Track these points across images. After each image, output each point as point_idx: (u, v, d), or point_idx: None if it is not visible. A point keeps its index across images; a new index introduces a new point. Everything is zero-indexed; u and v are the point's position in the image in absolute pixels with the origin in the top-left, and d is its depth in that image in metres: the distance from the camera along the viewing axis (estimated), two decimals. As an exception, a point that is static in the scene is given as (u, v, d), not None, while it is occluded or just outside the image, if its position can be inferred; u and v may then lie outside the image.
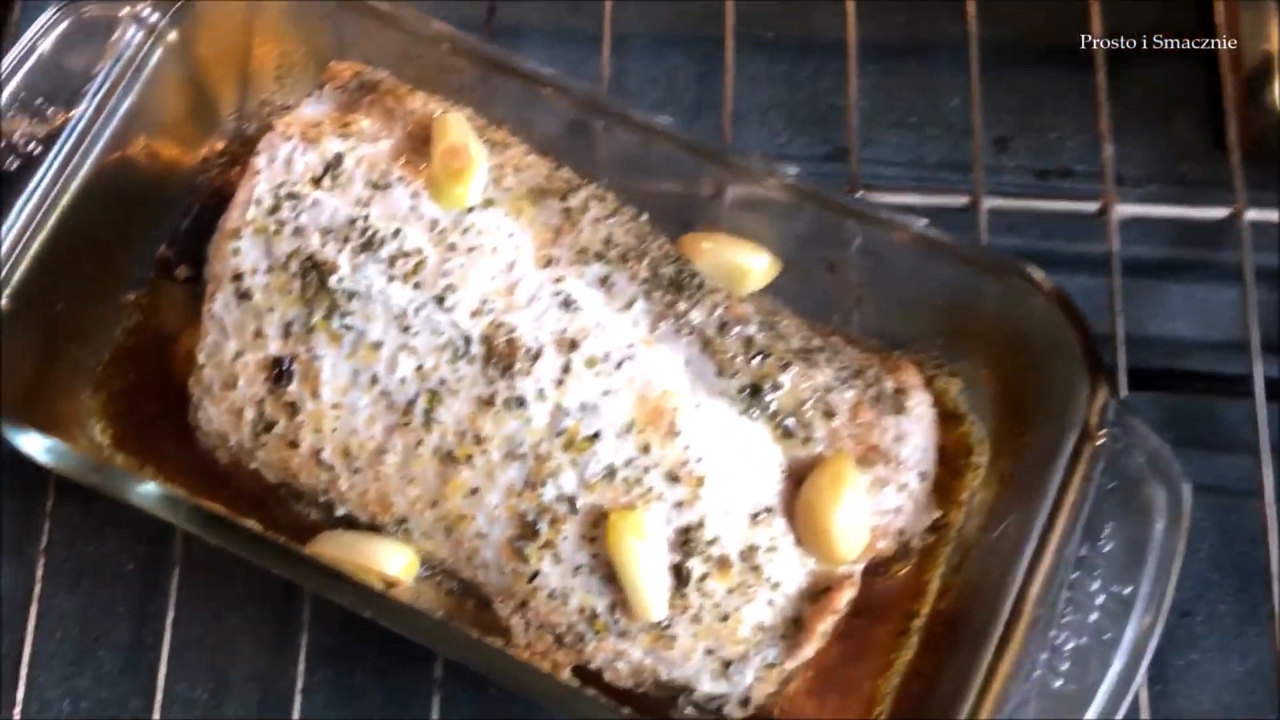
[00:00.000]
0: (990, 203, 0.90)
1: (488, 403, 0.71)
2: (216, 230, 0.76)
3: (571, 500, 0.71)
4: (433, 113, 0.76)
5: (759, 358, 0.72)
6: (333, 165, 0.74)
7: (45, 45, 0.75)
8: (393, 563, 0.73)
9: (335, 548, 0.74)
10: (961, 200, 0.89)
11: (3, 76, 0.74)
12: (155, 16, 0.78)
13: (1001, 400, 0.81)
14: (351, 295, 0.72)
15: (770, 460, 0.72)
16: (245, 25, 0.81)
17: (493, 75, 0.79)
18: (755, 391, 0.72)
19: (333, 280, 0.72)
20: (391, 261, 0.72)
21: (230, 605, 0.86)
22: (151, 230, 0.82)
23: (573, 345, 0.71)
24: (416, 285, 0.72)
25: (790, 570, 0.72)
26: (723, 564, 0.71)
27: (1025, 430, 0.78)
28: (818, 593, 0.72)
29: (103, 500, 0.87)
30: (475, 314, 0.71)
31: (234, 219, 0.73)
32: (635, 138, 0.78)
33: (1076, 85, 0.96)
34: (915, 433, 0.75)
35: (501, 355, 0.71)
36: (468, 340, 0.71)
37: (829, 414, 0.73)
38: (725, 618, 0.72)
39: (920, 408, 0.76)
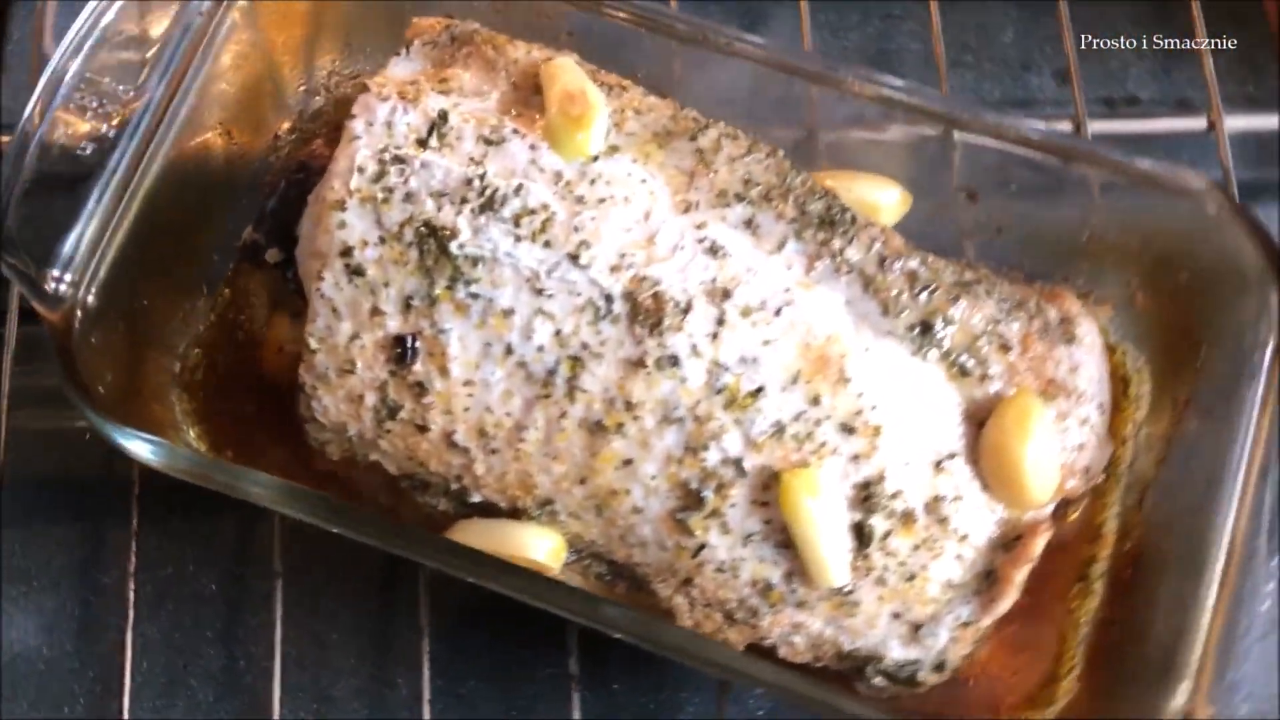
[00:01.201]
0: (1094, 126, 0.85)
1: (637, 365, 0.65)
2: (311, 204, 0.70)
3: (738, 463, 0.65)
4: (538, 60, 0.69)
5: (925, 292, 0.66)
6: (438, 124, 0.67)
7: (109, 17, 0.68)
8: (538, 549, 0.67)
9: (473, 537, 0.67)
10: (1063, 127, 0.84)
11: (67, 54, 0.67)
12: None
13: (1161, 325, 0.75)
14: (476, 260, 0.66)
15: (947, 402, 0.66)
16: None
17: (591, 20, 0.73)
18: (926, 329, 0.66)
19: (453, 246, 0.66)
20: (516, 220, 0.66)
21: (328, 617, 0.80)
22: (228, 215, 0.76)
23: (725, 295, 0.65)
24: (546, 244, 0.65)
25: (978, 520, 0.66)
26: (907, 519, 0.65)
27: (1195, 355, 0.73)
28: (1009, 541, 0.66)
29: (179, 520, 0.82)
30: (614, 270, 0.65)
31: (335, 190, 0.67)
32: (747, 69, 0.72)
33: (1131, 12, 0.96)
34: (1089, 363, 0.69)
35: (648, 312, 0.65)
36: (609, 299, 0.65)
37: (1004, 348, 0.67)
38: (912, 577, 0.66)
39: (1089, 336, 0.70)
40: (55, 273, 0.66)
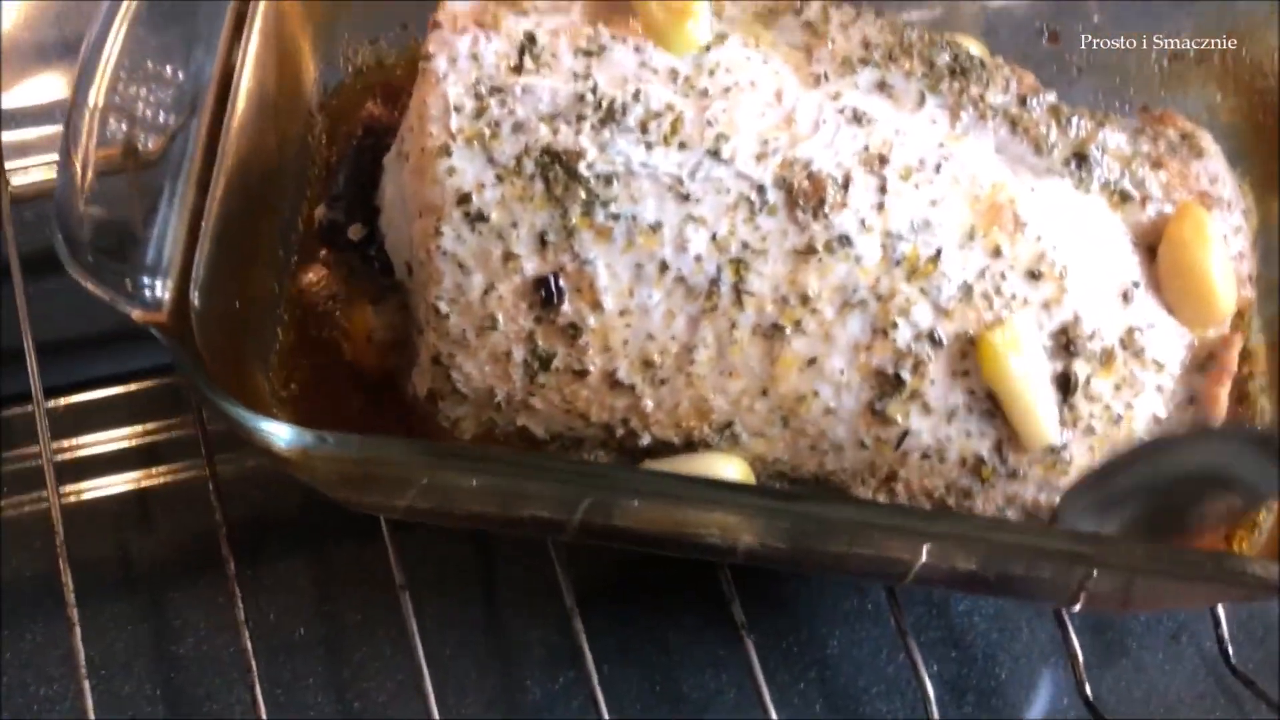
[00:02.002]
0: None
1: (806, 253, 0.60)
2: (395, 163, 0.64)
3: (931, 335, 0.61)
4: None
5: (1071, 125, 0.64)
6: (528, 45, 0.61)
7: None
8: (723, 477, 0.62)
9: (651, 481, 0.62)
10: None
11: (104, 39, 0.59)
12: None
13: (1253, 137, 0.74)
14: (609, 178, 0.60)
15: (1116, 232, 0.63)
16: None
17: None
18: (1081, 160, 0.63)
19: (582, 168, 0.60)
20: (643, 127, 0.60)
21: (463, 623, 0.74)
22: (285, 203, 0.69)
23: (881, 161, 0.61)
24: (681, 145, 0.60)
25: (1171, 345, 0.63)
26: (1106, 358, 0.62)
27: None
28: (1202, 362, 0.64)
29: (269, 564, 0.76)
30: (760, 158, 0.60)
31: (435, 136, 0.60)
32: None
33: None
34: (1223, 171, 0.67)
35: (806, 195, 0.60)
36: (761, 190, 0.60)
37: (1157, 165, 0.65)
38: (1118, 420, 0.63)
39: (1213, 146, 0.68)
40: (147, 279, 0.59)
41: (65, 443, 0.76)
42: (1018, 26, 0.72)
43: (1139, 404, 0.63)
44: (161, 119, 0.60)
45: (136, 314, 0.58)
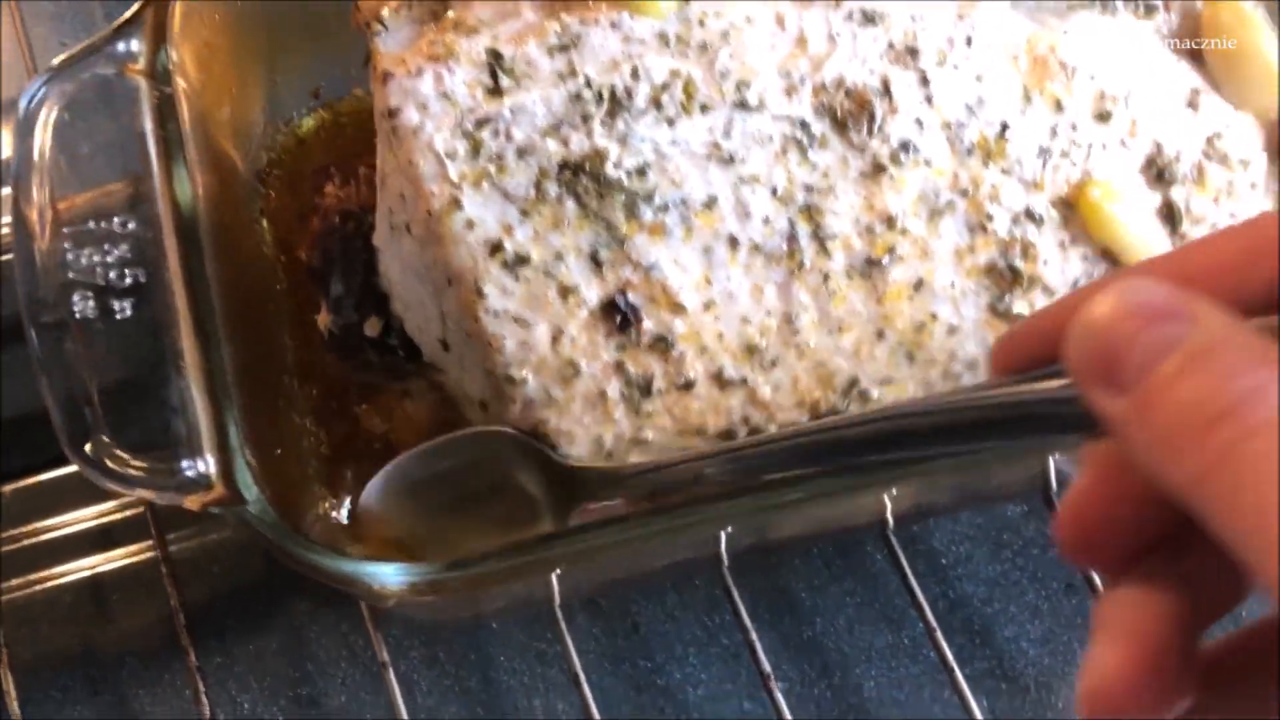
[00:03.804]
0: None
1: (874, 174, 0.54)
2: (389, 245, 0.56)
3: (1029, 213, 0.55)
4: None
5: (1071, -50, 0.59)
6: (496, 62, 0.54)
7: (45, 143, 0.52)
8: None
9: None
10: None
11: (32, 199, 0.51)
12: (127, 45, 0.56)
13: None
14: (642, 170, 0.53)
15: (1154, 44, 0.59)
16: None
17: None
18: (1096, -18, 0.59)
19: (609, 169, 0.53)
20: (656, 104, 0.54)
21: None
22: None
23: (911, 54, 0.55)
24: (704, 109, 0.54)
25: (1249, 140, 0.59)
26: (1199, 175, 0.58)
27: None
28: (1276, 136, 0.60)
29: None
30: (789, 92, 0.54)
31: (437, 193, 0.53)
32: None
33: None
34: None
35: (853, 114, 0.54)
36: (804, 125, 0.54)
37: (1165, -35, 0.61)
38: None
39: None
40: (184, 458, 0.50)
41: (10, 532, 0.67)
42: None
43: (1240, 209, 0.59)
44: (128, 278, 0.52)
45: (192, 502, 0.50)
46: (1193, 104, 0.58)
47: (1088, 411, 0.31)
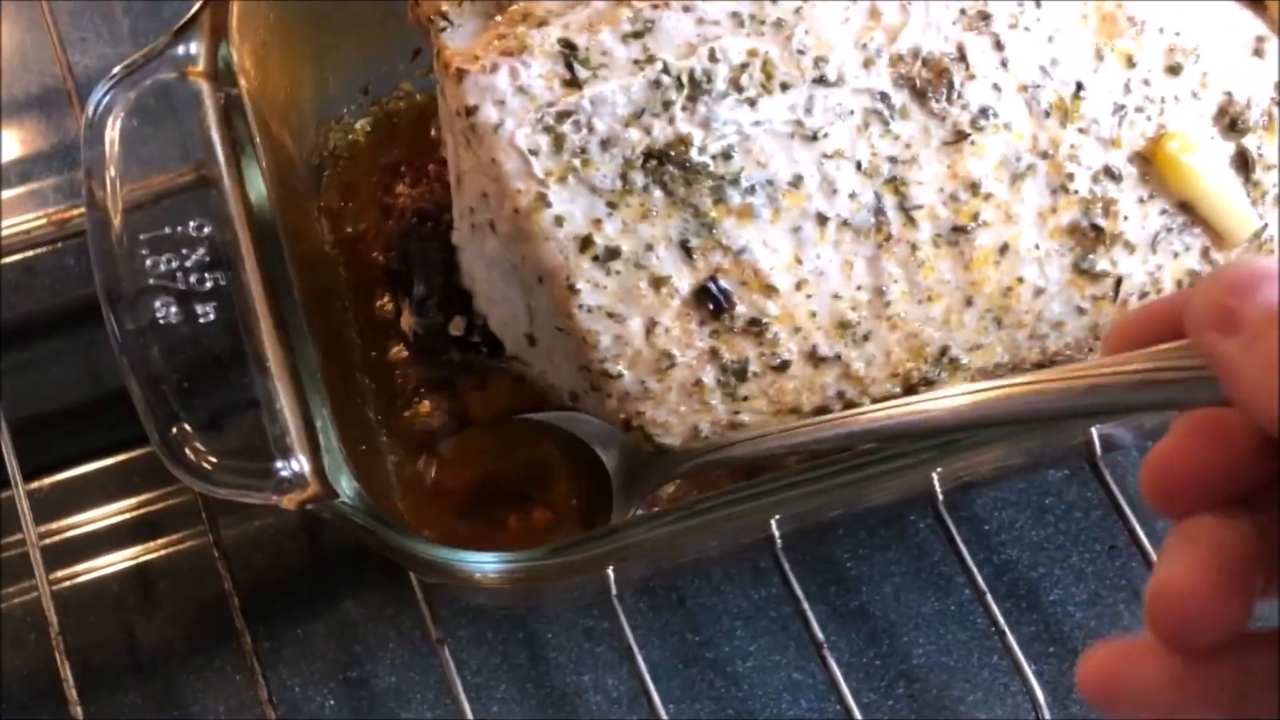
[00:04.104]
0: None
1: (956, 141, 0.54)
2: (470, 241, 0.56)
3: (1108, 170, 0.56)
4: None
5: (1129, -98, 0.59)
6: (570, 52, 0.54)
7: (114, 149, 0.52)
8: (959, 405, 0.57)
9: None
10: None
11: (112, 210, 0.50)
12: (186, 48, 0.56)
13: None
14: (727, 154, 0.53)
15: (1212, -9, 0.60)
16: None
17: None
18: (1155, -68, 0.59)
19: (694, 155, 0.53)
20: (736, 85, 0.53)
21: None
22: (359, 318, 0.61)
23: (984, 18, 0.55)
24: (784, 87, 0.53)
25: (1315, 83, 0.60)
26: (1269, 122, 0.58)
27: None
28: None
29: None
30: (867, 64, 0.54)
31: (523, 193, 0.52)
32: None
33: None
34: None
35: (932, 83, 0.54)
36: (884, 98, 0.54)
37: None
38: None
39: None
40: (278, 458, 0.50)
41: (53, 525, 0.68)
42: None
43: (1311, 153, 0.60)
44: (208, 282, 0.52)
45: (289, 502, 0.50)
46: (1258, 51, 0.59)
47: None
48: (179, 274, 0.52)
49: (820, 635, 0.62)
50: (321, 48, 0.64)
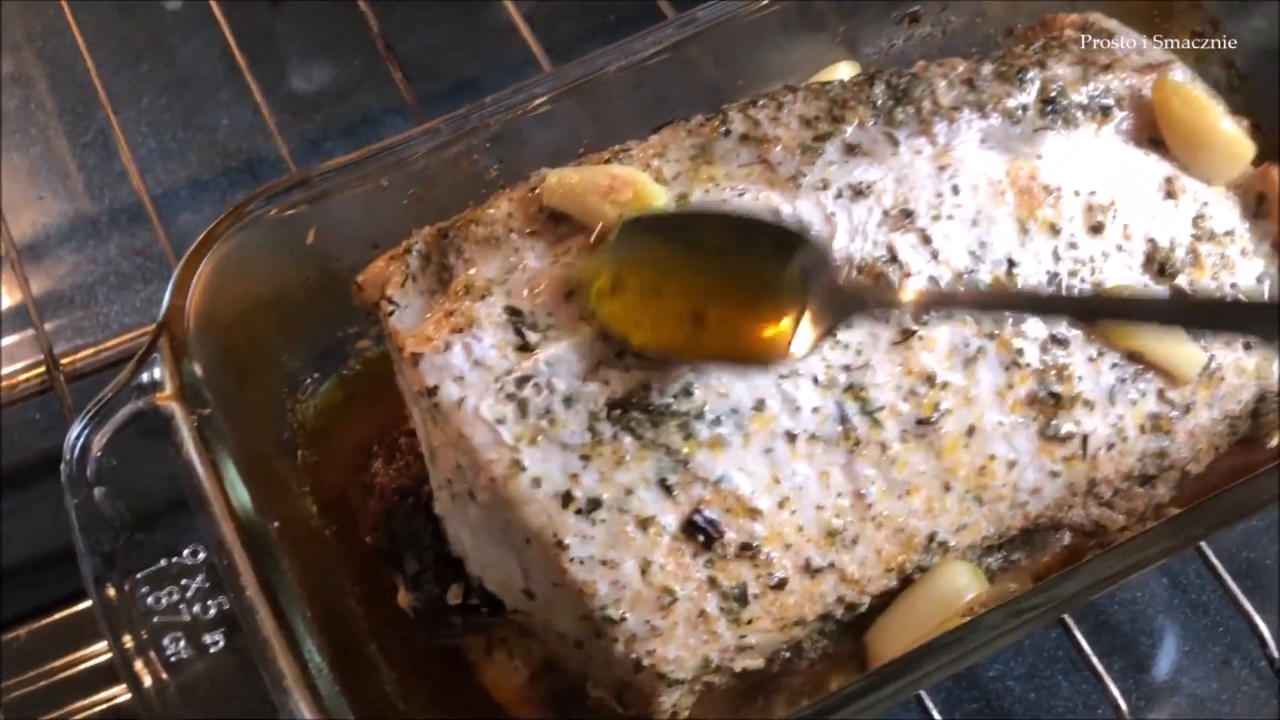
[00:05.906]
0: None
1: (904, 338, 0.56)
2: (455, 510, 0.56)
3: (1054, 338, 0.57)
4: (529, 196, 0.59)
5: (1020, 79, 0.61)
6: (517, 319, 0.55)
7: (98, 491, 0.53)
8: (964, 588, 0.58)
9: (899, 629, 0.57)
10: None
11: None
12: (150, 374, 0.57)
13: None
14: (688, 390, 0.54)
15: (1117, 145, 0.62)
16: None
17: (502, 139, 0.64)
18: (1050, 103, 0.61)
19: (654, 397, 0.54)
20: (685, 322, 0.55)
21: None
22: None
23: (906, 215, 0.57)
24: (731, 317, 0.55)
25: (1224, 212, 0.62)
26: (1194, 258, 0.60)
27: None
28: (1254, 208, 0.63)
29: None
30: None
31: (497, 460, 0.53)
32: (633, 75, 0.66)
33: None
34: (1136, 35, 0.67)
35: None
36: (828, 309, 0.56)
37: (1105, 68, 0.63)
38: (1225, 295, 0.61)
39: (1108, 22, 0.67)
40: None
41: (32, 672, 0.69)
42: (880, 26, 0.70)
43: (1239, 278, 0.61)
44: (211, 608, 0.52)
45: None
46: (1170, 193, 0.61)
47: None
48: (182, 607, 0.52)
49: None
50: (280, 331, 0.65)
